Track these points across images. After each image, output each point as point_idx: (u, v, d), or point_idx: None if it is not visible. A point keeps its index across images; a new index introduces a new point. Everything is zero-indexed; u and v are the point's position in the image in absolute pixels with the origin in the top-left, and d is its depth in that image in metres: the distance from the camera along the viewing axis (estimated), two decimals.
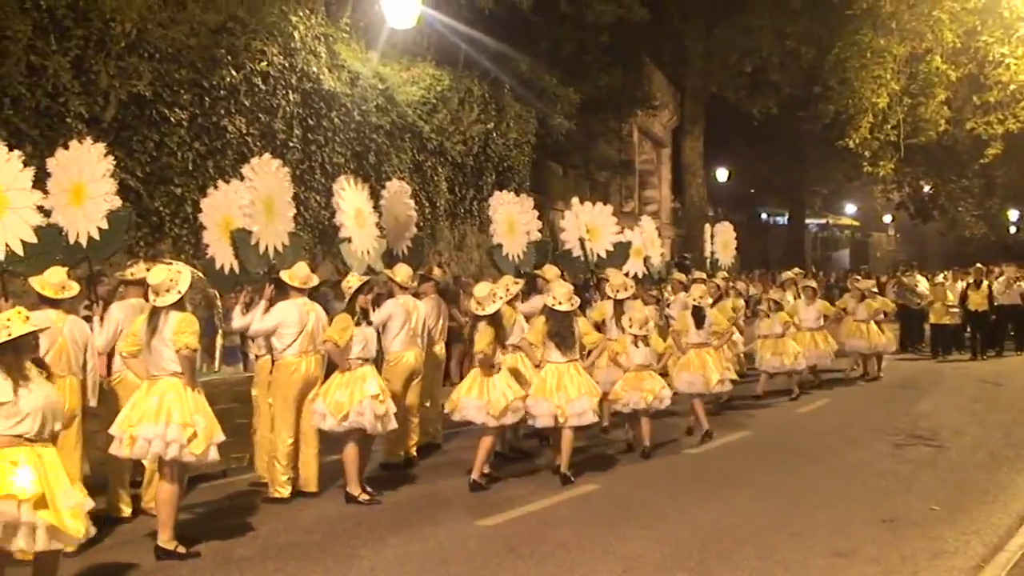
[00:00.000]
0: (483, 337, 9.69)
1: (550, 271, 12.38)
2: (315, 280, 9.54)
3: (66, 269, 8.08)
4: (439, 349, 11.83)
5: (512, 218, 13.02)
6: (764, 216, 54.12)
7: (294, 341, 9.30)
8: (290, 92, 15.85)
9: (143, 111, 13.24)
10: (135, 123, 13.07)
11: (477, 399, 9.67)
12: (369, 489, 9.30)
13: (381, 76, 18.61)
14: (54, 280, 7.84)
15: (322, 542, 7.90)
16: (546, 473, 10.45)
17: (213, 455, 7.52)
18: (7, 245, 8.36)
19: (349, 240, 11.02)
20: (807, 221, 52.26)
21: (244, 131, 14.87)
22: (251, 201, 9.49)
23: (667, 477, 10.52)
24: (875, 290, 20.09)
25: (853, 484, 10.17)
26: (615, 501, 9.37)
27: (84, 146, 9.01)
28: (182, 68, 13.78)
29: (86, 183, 8.84)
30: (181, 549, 7.43)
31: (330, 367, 9.44)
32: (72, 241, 8.81)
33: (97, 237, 8.86)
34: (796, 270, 20.42)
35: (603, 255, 14.31)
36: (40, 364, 6.04)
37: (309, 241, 12.90)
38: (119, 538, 7.92)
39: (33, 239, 8.44)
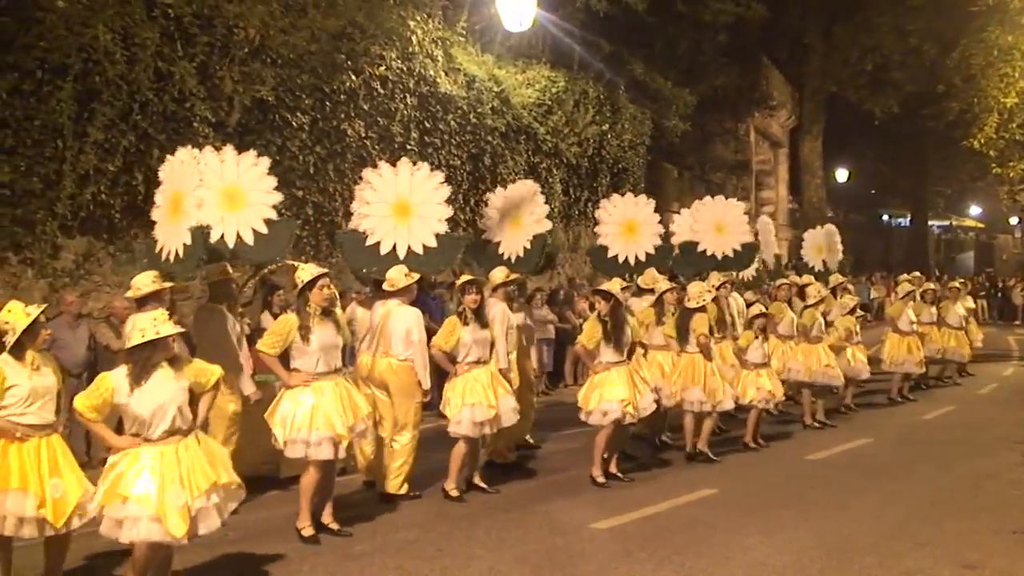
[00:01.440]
0: (586, 330, 9.99)
1: (649, 275, 12.34)
2: (402, 283, 9.44)
3: (154, 273, 8.26)
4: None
5: (631, 220, 12.92)
6: (886, 217, 52.89)
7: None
8: (407, 96, 16.06)
9: (266, 116, 13.55)
10: (258, 127, 13.38)
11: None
12: (482, 485, 9.54)
13: (496, 79, 18.73)
14: (140, 282, 8.12)
15: (439, 540, 7.95)
16: (662, 476, 10.40)
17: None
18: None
19: (497, 243, 11.27)
20: (930, 223, 50.89)
21: (363, 135, 15.12)
22: (368, 203, 9.62)
23: (787, 483, 10.35)
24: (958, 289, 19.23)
25: (981, 494, 9.87)
26: (734, 506, 9.23)
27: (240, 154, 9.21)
28: (303, 73, 14.07)
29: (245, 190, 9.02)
30: (308, 532, 7.76)
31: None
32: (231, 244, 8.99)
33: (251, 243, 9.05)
34: (915, 274, 19.72)
35: (730, 254, 13.91)
36: (174, 362, 6.21)
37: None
38: (247, 531, 8.06)
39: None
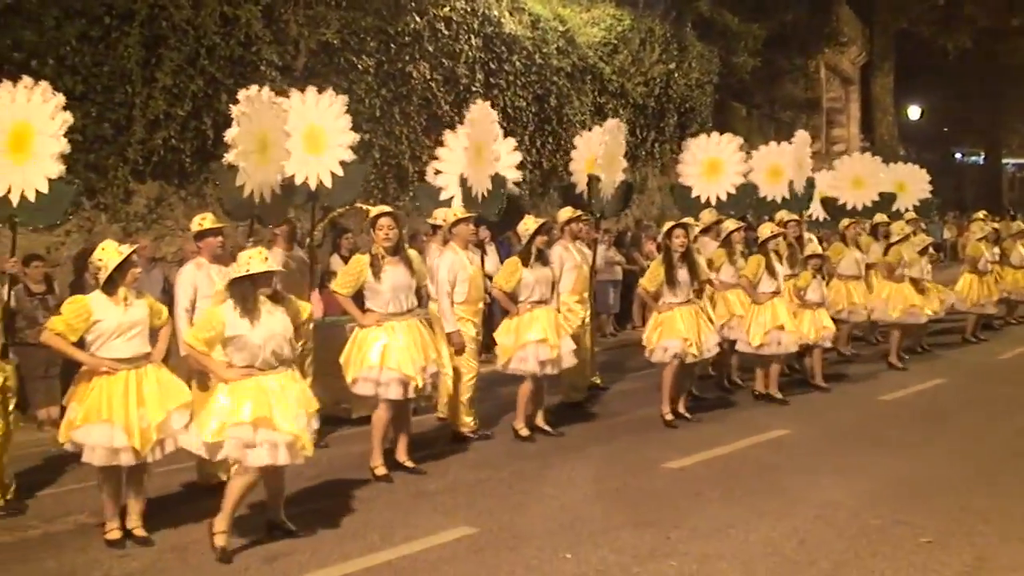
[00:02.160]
0: (649, 274, 9.96)
1: (706, 214, 12.26)
2: (436, 221, 9.46)
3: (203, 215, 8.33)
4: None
5: (713, 159, 12.78)
6: (958, 156, 51.71)
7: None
8: (472, 36, 15.92)
9: (332, 59, 13.55)
10: (324, 71, 13.37)
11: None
12: (546, 428, 9.51)
13: (561, 18, 18.52)
14: (193, 222, 8.15)
15: (510, 479, 8.01)
16: (733, 417, 10.37)
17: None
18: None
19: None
20: (1004, 161, 49.66)
21: (428, 77, 15.05)
22: (463, 148, 9.54)
23: (859, 424, 10.25)
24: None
25: None
26: (806, 447, 9.17)
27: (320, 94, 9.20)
28: (368, 15, 14.01)
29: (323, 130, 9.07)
30: (380, 471, 7.93)
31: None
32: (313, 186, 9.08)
33: (329, 184, 9.08)
34: (983, 213, 19.16)
35: (799, 192, 13.79)
36: (276, 297, 6.47)
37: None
38: (322, 469, 8.16)
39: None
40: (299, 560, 6.19)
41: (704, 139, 13.17)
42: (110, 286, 6.46)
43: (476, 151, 9.44)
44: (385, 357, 7.79)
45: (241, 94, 7.80)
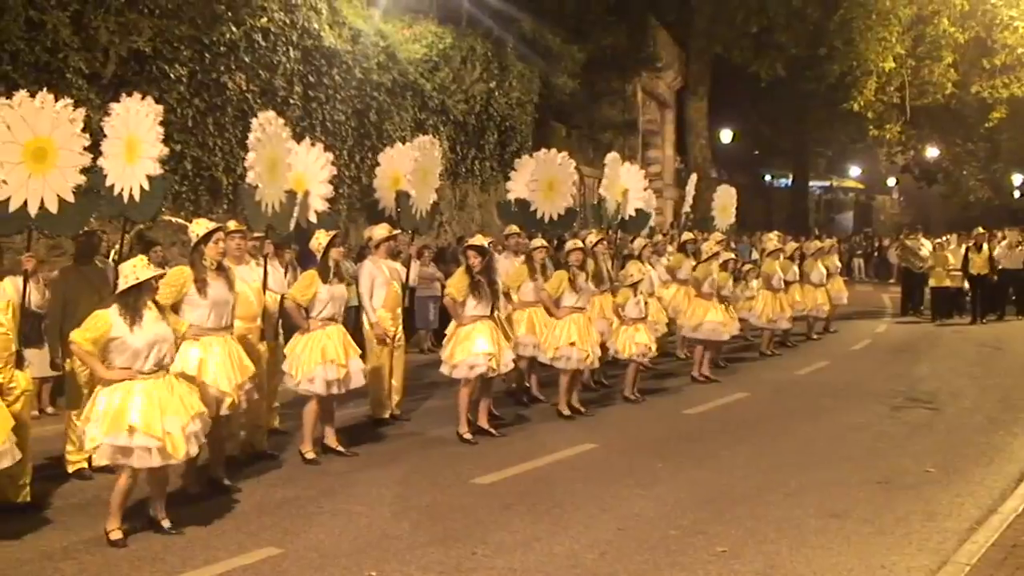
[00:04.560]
0: (455, 283, 10.01)
1: (511, 229, 12.57)
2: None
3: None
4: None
5: (554, 178, 12.98)
6: (768, 178, 53.89)
7: None
8: (291, 49, 15.75)
9: (143, 67, 13.17)
10: (135, 79, 12.96)
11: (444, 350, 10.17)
12: (339, 448, 9.36)
13: (383, 33, 18.49)
14: None
15: (318, 498, 7.95)
16: (541, 432, 10.53)
17: None
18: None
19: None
20: (811, 183, 52.02)
21: (244, 88, 14.79)
22: (255, 158, 9.27)
23: (663, 437, 10.57)
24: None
25: (849, 446, 10.22)
26: (611, 460, 9.41)
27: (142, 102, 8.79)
28: (182, 24, 13.68)
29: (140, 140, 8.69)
30: (194, 490, 7.96)
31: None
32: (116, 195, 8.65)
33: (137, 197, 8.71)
34: (775, 233, 20.05)
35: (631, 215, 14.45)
36: (158, 305, 6.92)
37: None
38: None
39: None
40: None
41: (542, 155, 13.32)
42: None
43: (270, 164, 9.14)
44: (201, 371, 7.64)
45: None
